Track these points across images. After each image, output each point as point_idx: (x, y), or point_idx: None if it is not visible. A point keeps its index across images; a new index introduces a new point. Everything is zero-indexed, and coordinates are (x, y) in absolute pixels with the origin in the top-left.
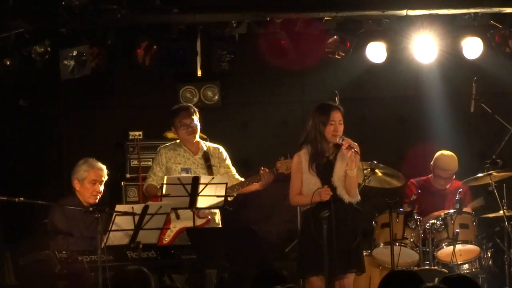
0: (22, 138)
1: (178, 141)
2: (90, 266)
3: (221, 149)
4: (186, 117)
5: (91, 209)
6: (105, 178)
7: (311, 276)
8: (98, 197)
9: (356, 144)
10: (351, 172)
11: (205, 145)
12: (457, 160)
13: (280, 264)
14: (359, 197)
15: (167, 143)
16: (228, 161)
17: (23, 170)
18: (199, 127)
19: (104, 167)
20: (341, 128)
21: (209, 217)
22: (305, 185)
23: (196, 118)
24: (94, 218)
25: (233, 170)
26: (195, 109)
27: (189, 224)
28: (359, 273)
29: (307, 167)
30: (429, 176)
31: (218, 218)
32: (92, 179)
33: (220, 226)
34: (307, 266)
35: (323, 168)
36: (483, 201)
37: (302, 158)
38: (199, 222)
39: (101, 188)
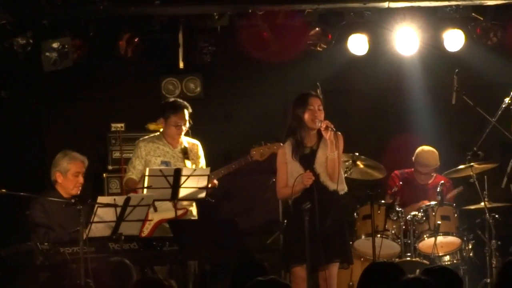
0: (3, 130)
1: (157, 133)
2: (72, 258)
3: (199, 145)
4: (183, 118)
5: (73, 201)
6: (85, 169)
7: (294, 266)
8: (80, 188)
9: (340, 134)
10: (331, 154)
11: (186, 140)
12: (437, 156)
13: (262, 256)
14: (345, 187)
15: (149, 135)
16: (202, 159)
17: (4, 161)
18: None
19: (85, 158)
20: (321, 114)
21: (187, 209)
22: (290, 176)
23: (188, 118)
24: (76, 210)
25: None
26: (190, 109)
27: (167, 216)
28: (346, 266)
29: (290, 157)
30: (413, 169)
31: (195, 211)
32: (76, 171)
33: (197, 218)
34: (290, 256)
35: (306, 157)
36: (461, 188)
37: (286, 149)
38: (178, 213)
39: (82, 179)
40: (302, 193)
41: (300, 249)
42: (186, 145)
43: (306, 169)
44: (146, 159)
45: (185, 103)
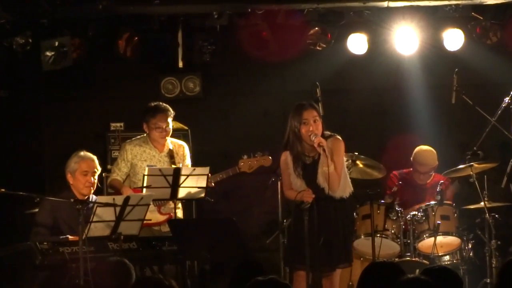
0: (2, 129)
1: (144, 135)
2: (71, 257)
3: (185, 147)
4: (163, 120)
5: (72, 200)
6: (97, 169)
7: (298, 269)
8: (92, 189)
9: (340, 139)
10: (325, 169)
11: (171, 142)
12: (435, 155)
13: (261, 256)
14: (350, 189)
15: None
16: (188, 161)
17: (3, 161)
18: (171, 129)
19: (95, 158)
20: (317, 125)
21: (171, 213)
22: (293, 183)
23: (170, 121)
24: (84, 210)
25: None
26: (172, 111)
27: (151, 219)
28: (347, 265)
29: (292, 169)
30: (411, 169)
31: (180, 213)
32: (84, 170)
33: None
34: (294, 258)
35: (308, 169)
36: (458, 188)
37: (288, 158)
38: (161, 218)
39: (94, 179)
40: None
41: (302, 252)
42: (172, 148)
43: (309, 181)
44: (132, 162)
45: (165, 105)
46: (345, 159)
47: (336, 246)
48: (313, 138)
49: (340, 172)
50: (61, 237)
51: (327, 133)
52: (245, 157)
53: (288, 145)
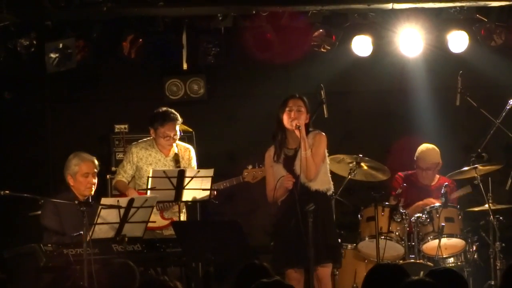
0: (6, 131)
1: (150, 138)
2: (75, 259)
3: (191, 150)
4: (171, 129)
5: (76, 202)
6: (97, 169)
7: (287, 269)
8: (93, 188)
9: (322, 134)
10: (303, 152)
11: (177, 145)
12: (438, 152)
13: (266, 258)
14: (331, 187)
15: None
16: (194, 163)
17: (8, 163)
18: (179, 135)
19: (94, 158)
20: (299, 115)
21: (174, 218)
22: (276, 178)
23: (178, 128)
24: (87, 211)
25: None
26: (180, 119)
27: (152, 222)
28: (337, 265)
29: (275, 159)
30: (415, 170)
31: (184, 217)
32: (84, 172)
33: None
34: (282, 259)
35: (290, 159)
36: (470, 189)
37: (271, 152)
38: (163, 223)
39: (95, 179)
40: (288, 195)
41: (291, 252)
42: (177, 151)
43: (289, 170)
44: (138, 165)
45: (174, 113)
46: (349, 161)
47: (316, 240)
48: (293, 124)
49: (318, 162)
50: (75, 234)
51: (312, 129)
52: (249, 167)
53: (272, 138)
